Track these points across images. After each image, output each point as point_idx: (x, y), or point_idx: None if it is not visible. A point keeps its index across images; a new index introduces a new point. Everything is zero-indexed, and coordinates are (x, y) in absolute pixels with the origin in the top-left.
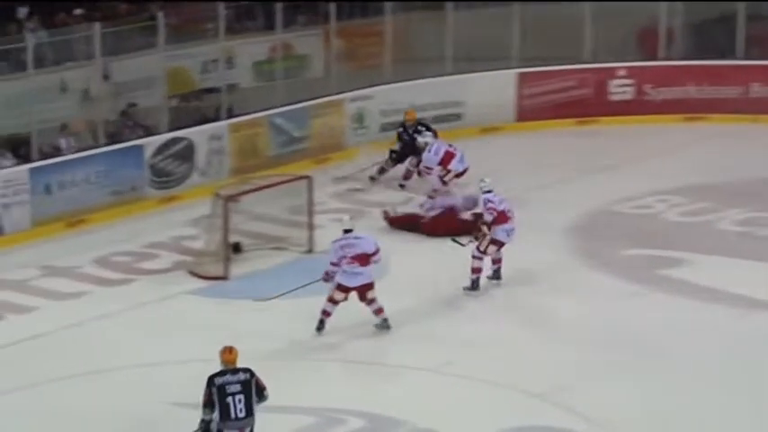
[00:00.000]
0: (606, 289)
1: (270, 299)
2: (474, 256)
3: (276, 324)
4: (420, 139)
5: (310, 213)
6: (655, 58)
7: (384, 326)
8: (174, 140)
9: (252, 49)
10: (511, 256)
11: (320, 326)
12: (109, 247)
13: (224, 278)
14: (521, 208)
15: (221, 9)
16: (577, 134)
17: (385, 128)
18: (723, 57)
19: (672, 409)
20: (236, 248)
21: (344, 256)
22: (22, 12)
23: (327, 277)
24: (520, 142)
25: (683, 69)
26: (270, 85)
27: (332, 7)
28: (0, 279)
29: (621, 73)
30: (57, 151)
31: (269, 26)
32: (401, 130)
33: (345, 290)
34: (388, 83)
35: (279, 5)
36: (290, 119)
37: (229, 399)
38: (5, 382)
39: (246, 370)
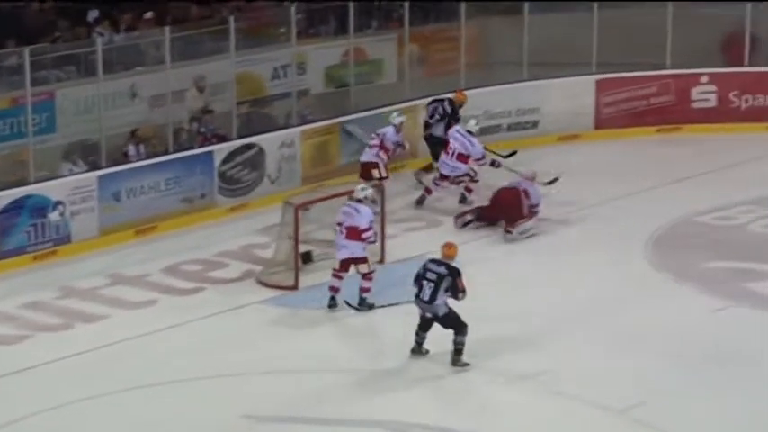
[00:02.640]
0: (691, 302)
1: (369, 309)
2: None
3: (344, 335)
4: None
5: (382, 222)
6: (739, 65)
7: (361, 306)
8: (245, 147)
9: (324, 54)
10: (595, 268)
11: (331, 302)
12: (178, 256)
13: (294, 288)
14: (602, 218)
15: (293, 13)
16: (658, 143)
17: None
18: None
19: (760, 427)
20: (307, 258)
21: (340, 224)
22: (92, 15)
23: None
24: (598, 151)
25: None
26: (342, 90)
27: (406, 11)
28: (68, 287)
29: (704, 80)
30: (125, 158)
31: (341, 31)
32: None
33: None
34: (464, 89)
35: (351, 9)
36: (363, 126)
37: (424, 282)
38: (78, 391)
39: (449, 267)
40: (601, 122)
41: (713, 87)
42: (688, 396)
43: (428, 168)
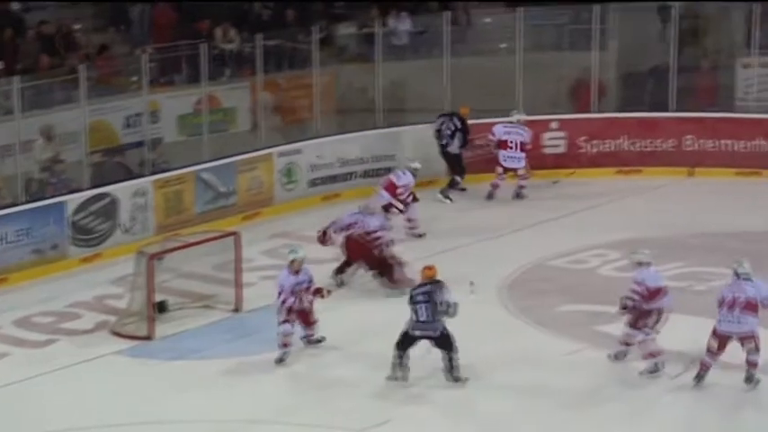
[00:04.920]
0: (542, 346)
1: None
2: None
3: (205, 385)
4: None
5: (238, 271)
6: (587, 111)
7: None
8: (97, 197)
9: (177, 102)
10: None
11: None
12: (29, 308)
13: (148, 338)
14: (454, 263)
15: (145, 61)
16: (511, 187)
17: (314, 182)
18: (656, 109)
19: None
20: (161, 307)
21: None
22: None
23: None
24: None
25: (616, 122)
26: (196, 139)
27: (258, 59)
28: None
29: (554, 126)
30: None
31: (194, 79)
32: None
33: None
34: (318, 137)
35: (204, 57)
36: (217, 174)
37: (417, 306)
38: None
39: (432, 282)
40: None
41: (563, 133)
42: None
43: (451, 184)
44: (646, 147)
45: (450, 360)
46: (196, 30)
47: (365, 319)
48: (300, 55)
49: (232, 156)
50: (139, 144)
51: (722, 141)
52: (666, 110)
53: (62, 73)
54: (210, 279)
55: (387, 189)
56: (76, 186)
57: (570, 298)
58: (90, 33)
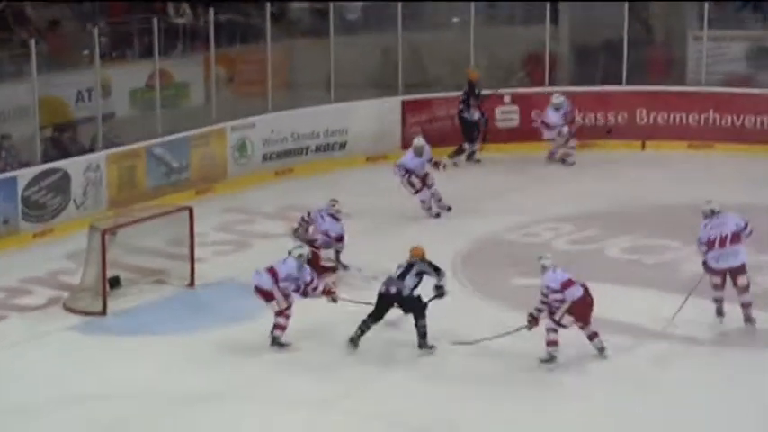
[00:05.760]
0: (495, 319)
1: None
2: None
3: (157, 360)
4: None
5: (191, 246)
6: (541, 85)
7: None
8: (49, 172)
9: (129, 77)
10: None
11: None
12: None
13: (102, 313)
14: (407, 236)
15: (96, 35)
16: (463, 162)
17: (268, 157)
18: (608, 83)
19: None
20: (115, 282)
21: None
22: None
23: None
24: None
25: (569, 96)
26: (148, 114)
27: (211, 33)
28: None
29: (507, 100)
30: None
31: (147, 54)
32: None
33: None
34: (271, 111)
35: (156, 32)
36: (170, 149)
37: (395, 269)
38: None
39: (420, 261)
40: (408, 143)
41: (515, 107)
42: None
43: (459, 151)
44: (598, 120)
45: (418, 326)
46: (149, 4)
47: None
48: (253, 30)
49: (185, 131)
50: (91, 119)
51: (674, 114)
52: (620, 83)
53: (12, 47)
54: (163, 254)
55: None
56: (28, 161)
57: (522, 270)
58: (40, 8)
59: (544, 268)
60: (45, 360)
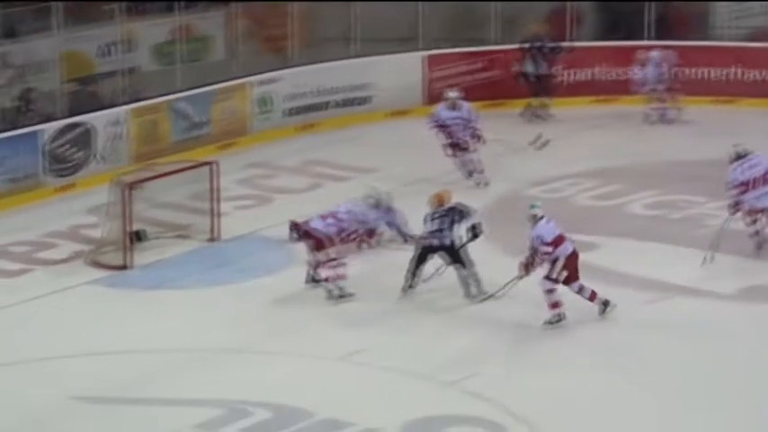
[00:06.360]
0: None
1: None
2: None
3: (181, 314)
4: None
5: (213, 200)
6: (563, 39)
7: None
8: (72, 126)
9: (152, 31)
10: None
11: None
12: (4, 237)
13: (125, 267)
14: (430, 192)
15: None
16: (487, 117)
17: (290, 112)
18: (632, 38)
19: (575, 398)
20: (138, 237)
21: None
22: None
23: None
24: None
25: (593, 51)
26: (171, 68)
27: None
28: None
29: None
30: None
31: (169, 7)
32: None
33: None
34: (294, 66)
35: None
36: (193, 103)
37: (428, 224)
38: None
39: (450, 207)
40: (431, 98)
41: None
42: (512, 367)
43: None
44: (621, 75)
45: (464, 276)
46: None
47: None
48: None
49: (207, 85)
50: (114, 73)
51: (698, 70)
52: (643, 38)
53: (35, 1)
54: (186, 208)
55: None
56: (51, 115)
57: None
58: None
59: (536, 218)
60: (69, 314)
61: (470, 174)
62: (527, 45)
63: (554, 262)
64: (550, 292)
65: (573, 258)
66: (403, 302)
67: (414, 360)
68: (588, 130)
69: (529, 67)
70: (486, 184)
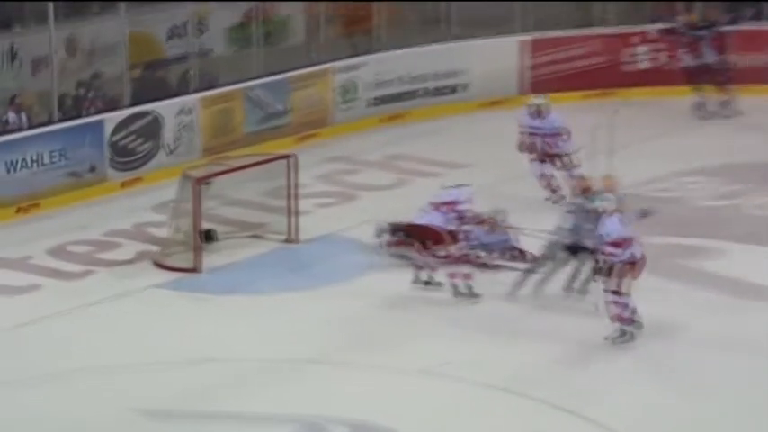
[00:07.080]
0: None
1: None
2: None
3: (253, 321)
4: None
5: (291, 197)
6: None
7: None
8: (138, 115)
9: (225, 12)
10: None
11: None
12: (65, 236)
13: (194, 270)
14: (528, 189)
15: None
16: (589, 108)
17: (376, 102)
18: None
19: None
20: (208, 237)
21: None
22: None
23: None
24: None
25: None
26: (246, 53)
27: None
28: None
29: (637, 40)
30: (4, 127)
31: None
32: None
33: None
34: (380, 50)
35: None
36: (269, 91)
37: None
38: None
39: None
40: (527, 87)
41: (645, 48)
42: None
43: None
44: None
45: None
46: None
47: None
48: None
49: (285, 71)
50: (185, 57)
51: None
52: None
53: None
54: (261, 206)
55: None
56: (116, 103)
57: (657, 228)
58: None
59: (606, 212)
60: (134, 319)
61: (553, 190)
62: (702, 32)
63: (610, 269)
64: (612, 304)
65: (641, 262)
66: (495, 313)
67: (501, 374)
68: (703, 123)
69: (708, 57)
70: (555, 202)
